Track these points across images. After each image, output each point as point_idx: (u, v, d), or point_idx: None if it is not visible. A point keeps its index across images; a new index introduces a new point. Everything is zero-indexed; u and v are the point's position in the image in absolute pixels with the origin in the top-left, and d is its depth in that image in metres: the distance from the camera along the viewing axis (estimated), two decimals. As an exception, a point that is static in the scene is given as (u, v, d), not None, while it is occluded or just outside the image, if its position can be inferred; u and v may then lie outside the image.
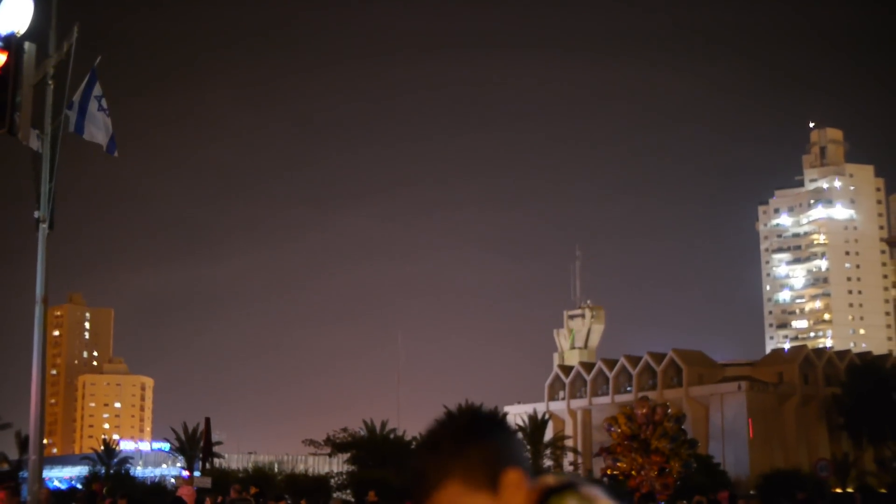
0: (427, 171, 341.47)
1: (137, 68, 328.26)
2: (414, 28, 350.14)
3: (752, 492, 62.52)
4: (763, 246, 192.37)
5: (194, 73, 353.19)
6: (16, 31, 16.77)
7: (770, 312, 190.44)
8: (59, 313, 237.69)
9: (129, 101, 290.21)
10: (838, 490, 72.65)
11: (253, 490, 28.29)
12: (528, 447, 71.05)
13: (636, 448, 64.19)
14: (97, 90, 19.66)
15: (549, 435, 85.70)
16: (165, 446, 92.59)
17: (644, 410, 66.21)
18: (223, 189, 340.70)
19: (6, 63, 16.39)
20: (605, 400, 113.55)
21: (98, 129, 19.16)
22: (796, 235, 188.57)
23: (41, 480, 18.90)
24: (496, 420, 2.48)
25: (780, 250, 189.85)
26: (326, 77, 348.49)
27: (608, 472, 69.76)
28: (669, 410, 67.96)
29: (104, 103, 19.34)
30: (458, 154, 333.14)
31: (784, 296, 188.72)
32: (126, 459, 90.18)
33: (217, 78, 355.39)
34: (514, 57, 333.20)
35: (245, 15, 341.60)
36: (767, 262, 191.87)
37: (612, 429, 67.75)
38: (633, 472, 64.49)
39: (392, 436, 68.75)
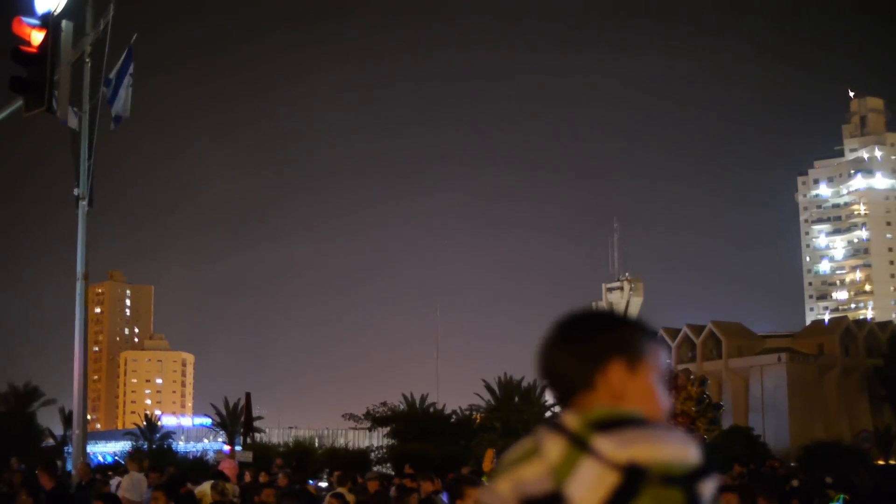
0: (492, 156, 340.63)
1: (194, 34, 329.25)
2: (491, 15, 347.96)
3: (792, 463, 62.00)
4: (802, 217, 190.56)
5: (249, 49, 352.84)
6: (53, 9, 16.86)
7: (810, 284, 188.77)
8: (100, 290, 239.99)
9: (175, 71, 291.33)
10: (881, 462, 72.19)
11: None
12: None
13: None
14: (132, 68, 19.80)
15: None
16: (207, 421, 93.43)
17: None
18: (276, 170, 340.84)
19: (44, 41, 16.47)
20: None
21: (118, 101, 19.28)
22: (836, 206, 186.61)
23: (85, 454, 19.21)
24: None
25: (819, 221, 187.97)
26: (400, 61, 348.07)
27: None
28: (692, 376, 66.93)
29: (131, 80, 19.49)
30: (519, 139, 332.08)
31: (824, 267, 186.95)
32: (168, 434, 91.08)
33: (276, 54, 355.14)
34: (566, 47, 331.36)
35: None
36: (807, 234, 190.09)
37: None
38: None
39: (431, 409, 68.84)
